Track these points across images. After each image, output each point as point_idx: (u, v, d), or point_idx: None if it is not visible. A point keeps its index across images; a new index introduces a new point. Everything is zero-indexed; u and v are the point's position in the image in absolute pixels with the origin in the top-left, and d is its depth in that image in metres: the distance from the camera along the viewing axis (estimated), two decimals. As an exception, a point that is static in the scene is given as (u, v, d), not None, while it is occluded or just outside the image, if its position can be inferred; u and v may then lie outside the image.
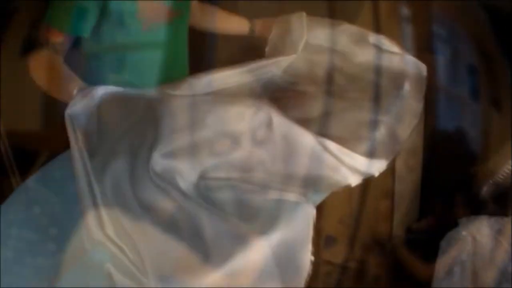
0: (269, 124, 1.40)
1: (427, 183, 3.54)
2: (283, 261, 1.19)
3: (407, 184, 3.34)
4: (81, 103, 1.51)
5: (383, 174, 2.84)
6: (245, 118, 1.39)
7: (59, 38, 1.83)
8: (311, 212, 1.27)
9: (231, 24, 2.26)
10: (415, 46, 2.41)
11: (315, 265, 2.64)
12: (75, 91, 1.62)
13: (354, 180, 1.44)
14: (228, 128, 1.38)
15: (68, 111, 1.49)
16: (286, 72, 2.07)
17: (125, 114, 1.49)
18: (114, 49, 1.95)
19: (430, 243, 2.79)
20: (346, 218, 3.43)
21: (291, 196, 1.26)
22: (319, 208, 2.52)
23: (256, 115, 1.40)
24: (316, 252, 2.59)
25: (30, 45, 1.94)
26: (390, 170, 3.07)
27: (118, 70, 1.93)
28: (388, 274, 3.14)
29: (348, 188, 3.22)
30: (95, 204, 1.30)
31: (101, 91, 1.54)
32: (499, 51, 3.27)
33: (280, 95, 1.87)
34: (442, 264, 2.38)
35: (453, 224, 2.69)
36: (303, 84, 1.95)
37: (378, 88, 1.91)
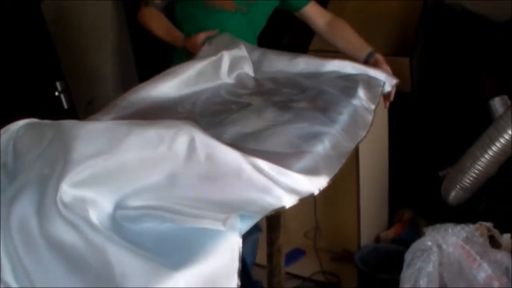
0: (191, 145, 1.29)
1: (395, 190, 3.50)
2: (202, 298, 1.08)
3: (373, 192, 3.29)
4: None
5: (349, 184, 2.79)
6: (164, 140, 1.29)
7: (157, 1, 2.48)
8: (237, 241, 1.15)
9: (354, 45, 2.42)
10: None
11: (278, 282, 2.59)
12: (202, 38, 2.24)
13: (289, 201, 1.32)
14: (146, 152, 1.27)
15: None
16: (232, 84, 2.01)
17: (36, 143, 1.39)
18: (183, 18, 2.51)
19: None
20: (312, 230, 3.38)
21: (212, 224, 1.14)
22: (278, 224, 2.46)
23: (176, 136, 1.29)
24: (278, 270, 2.55)
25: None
26: (355, 180, 3.02)
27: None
28: (359, 286, 3.06)
29: (312, 200, 3.23)
30: None
31: (17, 125, 1.49)
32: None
33: (221, 108, 1.79)
34: (407, 277, 2.30)
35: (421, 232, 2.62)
36: (248, 96, 1.87)
37: (328, 96, 1.84)
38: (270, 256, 2.49)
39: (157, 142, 1.30)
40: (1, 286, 1.12)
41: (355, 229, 3.25)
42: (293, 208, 2.69)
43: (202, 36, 2.28)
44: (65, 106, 3.01)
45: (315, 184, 1.40)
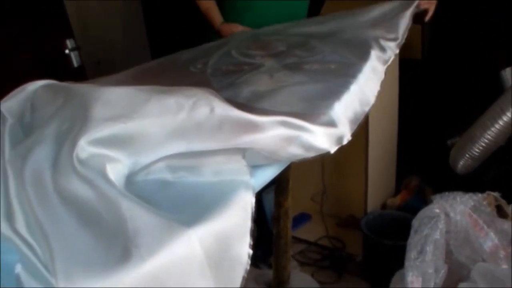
0: (211, 114, 1.29)
1: (403, 157, 3.50)
2: (215, 256, 1.08)
3: (381, 159, 3.28)
4: (14, 98, 1.49)
5: (357, 150, 2.78)
6: (184, 108, 1.29)
7: None
8: (249, 200, 1.14)
9: None
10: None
11: (285, 244, 2.60)
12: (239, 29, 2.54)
13: (309, 154, 1.33)
14: (165, 118, 1.27)
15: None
16: (244, 46, 2.01)
17: (53, 101, 1.41)
18: None
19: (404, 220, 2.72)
20: (319, 195, 3.39)
21: (231, 167, 1.15)
22: (286, 187, 2.47)
23: (196, 106, 1.29)
24: (285, 232, 2.56)
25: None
26: (364, 146, 3.02)
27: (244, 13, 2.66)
28: (364, 252, 3.07)
29: (320, 166, 3.23)
30: (5, 194, 1.20)
31: (35, 85, 1.50)
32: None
33: (234, 68, 1.79)
34: (414, 243, 2.29)
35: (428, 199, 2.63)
36: (260, 58, 1.86)
37: (340, 58, 1.83)
38: (277, 219, 2.51)
39: (176, 109, 1.29)
40: (15, 236, 1.12)
41: (362, 195, 3.26)
42: (300, 172, 2.71)
43: (240, 28, 2.53)
44: (75, 65, 2.99)
45: (333, 143, 1.38)
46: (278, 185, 2.39)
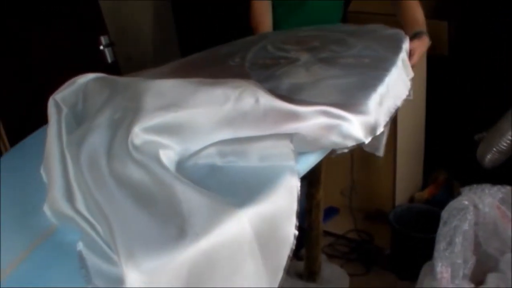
0: (256, 105, 1.36)
1: (430, 152, 3.52)
2: (263, 236, 1.14)
3: (409, 153, 3.31)
4: (67, 90, 1.57)
5: (386, 144, 2.81)
6: (230, 99, 1.35)
7: None
8: (295, 184, 1.20)
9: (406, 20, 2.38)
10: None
11: (316, 236, 2.65)
12: None
13: (349, 143, 1.38)
14: (213, 108, 1.33)
15: (55, 96, 1.55)
16: (280, 40, 2.06)
17: (103, 92, 1.50)
18: None
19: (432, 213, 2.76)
20: (347, 189, 3.42)
21: (277, 151, 1.22)
22: (318, 180, 2.52)
23: (242, 97, 1.36)
24: (316, 224, 2.61)
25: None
26: (392, 140, 3.05)
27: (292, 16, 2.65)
28: (392, 245, 3.11)
29: (349, 160, 3.27)
30: (65, 176, 1.27)
31: (86, 77, 1.60)
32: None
33: (270, 62, 1.84)
34: (443, 234, 2.33)
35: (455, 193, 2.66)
36: (295, 52, 1.91)
37: (374, 53, 1.87)
38: (309, 211, 2.56)
39: (223, 100, 1.36)
40: (77, 216, 1.19)
41: (390, 189, 3.29)
42: (329, 166, 2.75)
43: None
44: (109, 60, 3.07)
45: (368, 133, 1.43)
46: (311, 177, 2.44)
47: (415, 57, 2.07)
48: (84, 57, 2.98)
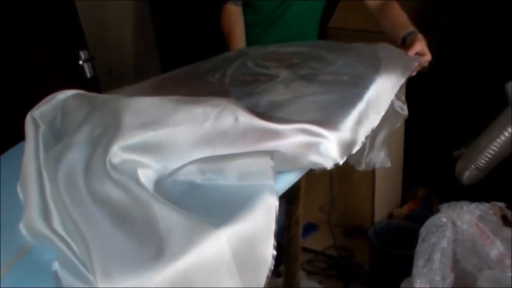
0: (235, 123, 1.36)
1: (409, 168, 3.54)
2: (242, 256, 1.13)
3: (388, 170, 3.32)
4: (45, 106, 1.57)
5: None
6: (210, 117, 1.36)
7: None
8: (274, 203, 1.20)
9: (397, 23, 2.43)
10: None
11: (295, 252, 2.64)
12: None
13: (328, 163, 1.38)
14: (193, 127, 1.33)
15: (32, 113, 1.55)
16: (260, 57, 2.06)
17: (82, 109, 1.49)
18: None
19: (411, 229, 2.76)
20: (327, 205, 3.43)
21: (256, 170, 1.21)
22: (297, 197, 2.51)
23: (221, 115, 1.36)
24: (295, 240, 2.60)
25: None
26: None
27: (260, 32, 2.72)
28: (371, 261, 3.11)
29: (328, 176, 3.28)
30: (41, 194, 1.26)
31: (64, 94, 1.59)
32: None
33: (250, 79, 1.84)
34: (422, 251, 2.34)
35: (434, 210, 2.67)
36: (275, 69, 1.91)
37: (353, 70, 1.88)
38: (288, 227, 2.55)
39: (203, 118, 1.36)
40: (53, 235, 1.17)
41: (369, 205, 3.30)
42: (309, 182, 2.74)
43: None
44: (88, 75, 3.05)
45: (343, 152, 1.43)
46: (290, 194, 2.43)
47: (428, 55, 2.20)
48: (63, 72, 2.97)
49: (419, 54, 2.17)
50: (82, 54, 3.03)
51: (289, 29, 2.70)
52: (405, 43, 2.26)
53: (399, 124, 2.14)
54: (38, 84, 2.49)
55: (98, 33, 3.58)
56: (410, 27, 2.33)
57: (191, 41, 3.98)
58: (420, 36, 2.25)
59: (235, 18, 2.66)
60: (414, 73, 2.15)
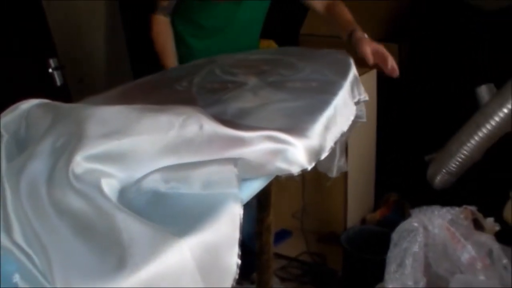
0: (199, 132, 1.35)
1: (381, 173, 3.55)
2: (205, 266, 1.12)
3: (360, 175, 3.34)
4: (9, 115, 1.53)
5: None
6: (174, 126, 1.34)
7: (164, 2, 2.63)
8: (238, 212, 1.19)
9: (341, 24, 2.50)
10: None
11: (267, 260, 2.64)
12: None
13: (294, 169, 1.37)
14: (157, 136, 1.32)
15: None
16: (228, 64, 2.06)
17: (46, 119, 1.45)
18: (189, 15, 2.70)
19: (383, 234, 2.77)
20: (299, 211, 3.43)
21: (221, 178, 1.20)
22: (268, 203, 2.50)
23: (186, 124, 1.35)
24: (267, 247, 2.60)
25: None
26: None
27: (197, 35, 2.75)
28: (344, 267, 3.12)
29: (300, 182, 3.28)
30: (2, 206, 1.24)
31: (29, 103, 1.55)
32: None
33: (218, 86, 1.83)
34: (393, 256, 2.35)
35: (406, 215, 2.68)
36: (243, 76, 1.91)
37: (322, 77, 1.88)
38: (259, 234, 2.54)
39: (167, 127, 1.34)
40: (13, 247, 1.16)
41: (342, 211, 3.31)
42: (281, 189, 2.74)
43: None
44: (58, 83, 3.03)
45: (312, 158, 1.43)
46: (260, 201, 2.42)
47: (389, 57, 2.27)
48: (31, 80, 2.94)
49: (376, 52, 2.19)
50: (52, 62, 3.01)
51: (232, 40, 2.75)
52: (350, 40, 2.34)
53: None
54: (6, 92, 2.46)
55: (69, 42, 3.56)
56: (351, 26, 2.40)
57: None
58: (363, 34, 2.32)
59: (165, 30, 2.70)
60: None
